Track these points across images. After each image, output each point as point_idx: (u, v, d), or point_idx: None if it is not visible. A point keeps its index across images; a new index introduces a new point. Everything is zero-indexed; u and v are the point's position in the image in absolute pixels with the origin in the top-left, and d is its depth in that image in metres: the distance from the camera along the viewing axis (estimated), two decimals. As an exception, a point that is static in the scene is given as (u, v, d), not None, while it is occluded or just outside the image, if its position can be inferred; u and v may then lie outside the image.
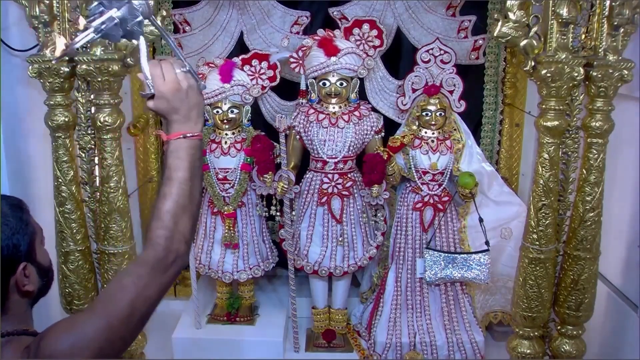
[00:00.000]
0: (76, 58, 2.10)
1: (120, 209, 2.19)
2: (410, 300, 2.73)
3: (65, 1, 2.09)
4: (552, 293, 2.33)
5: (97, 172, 2.26)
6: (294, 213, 2.68)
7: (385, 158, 2.55)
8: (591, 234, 2.25)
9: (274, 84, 2.70)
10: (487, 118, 2.96)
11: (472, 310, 2.71)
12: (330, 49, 2.53)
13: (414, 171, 2.65)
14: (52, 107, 2.15)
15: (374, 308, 2.78)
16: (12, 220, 1.18)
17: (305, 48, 2.60)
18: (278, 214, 2.68)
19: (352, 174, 2.65)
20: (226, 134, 2.63)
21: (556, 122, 2.13)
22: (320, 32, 2.63)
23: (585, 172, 2.23)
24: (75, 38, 1.25)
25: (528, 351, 2.35)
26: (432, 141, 2.64)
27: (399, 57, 2.84)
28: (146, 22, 1.25)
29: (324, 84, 2.57)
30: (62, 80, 2.11)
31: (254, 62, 2.65)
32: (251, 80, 2.64)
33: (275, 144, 2.61)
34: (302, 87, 2.68)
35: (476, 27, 2.77)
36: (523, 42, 2.11)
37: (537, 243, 2.22)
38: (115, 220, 2.19)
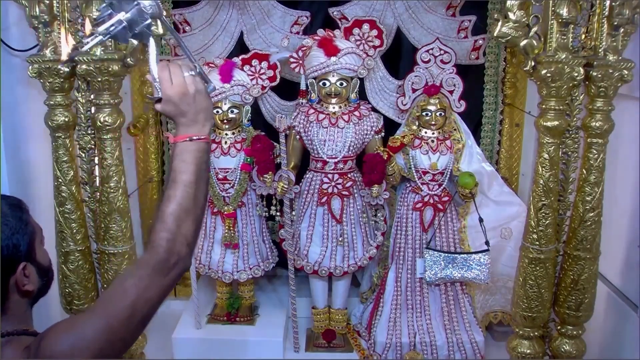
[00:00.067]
0: (76, 58, 2.10)
1: (120, 209, 2.19)
2: (410, 300, 2.73)
3: (65, 1, 2.09)
4: (552, 293, 2.33)
5: (97, 172, 2.26)
6: (294, 213, 2.68)
7: (385, 158, 2.55)
8: (591, 234, 2.25)
9: (274, 84, 2.70)
10: (487, 118, 2.96)
11: (472, 310, 2.71)
12: (330, 49, 2.53)
13: (414, 171, 2.65)
14: (52, 107, 2.15)
15: (374, 308, 2.78)
16: (11, 220, 1.18)
17: (305, 48, 2.61)
18: (278, 214, 2.68)
19: (352, 174, 2.65)
20: (226, 134, 2.63)
21: (556, 122, 2.13)
22: (320, 32, 2.63)
23: (585, 172, 2.23)
24: (83, 41, 1.25)
25: (528, 351, 2.35)
26: (432, 141, 2.64)
27: (399, 57, 2.84)
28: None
29: (324, 84, 2.58)
30: (62, 80, 2.11)
31: (254, 62, 2.65)
32: (251, 80, 2.64)
33: (275, 144, 2.61)
34: (302, 87, 2.68)
35: (476, 27, 2.77)
36: (523, 42, 2.11)
37: (537, 243, 2.22)
38: (115, 220, 2.19)
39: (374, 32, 2.62)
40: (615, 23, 2.08)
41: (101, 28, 1.21)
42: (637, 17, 2.10)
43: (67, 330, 1.12)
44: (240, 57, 2.66)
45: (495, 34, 2.12)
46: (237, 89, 2.58)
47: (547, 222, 2.20)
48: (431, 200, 2.66)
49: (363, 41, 2.62)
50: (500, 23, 2.11)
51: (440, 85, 2.65)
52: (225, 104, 2.59)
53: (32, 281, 1.21)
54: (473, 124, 2.90)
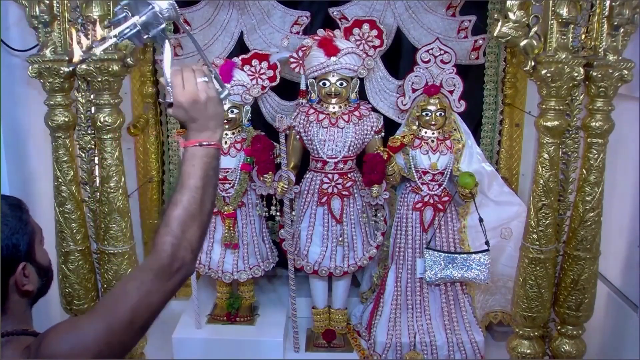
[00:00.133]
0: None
1: (120, 209, 2.19)
2: (410, 300, 2.73)
3: (65, 1, 2.09)
4: (552, 293, 2.33)
5: (97, 172, 2.25)
6: (294, 213, 2.68)
7: (385, 158, 2.55)
8: (591, 234, 2.25)
9: (274, 84, 2.70)
10: (487, 118, 2.96)
11: (472, 310, 2.71)
12: (330, 49, 2.53)
13: (414, 171, 2.65)
14: (52, 107, 2.15)
15: (374, 308, 2.78)
16: (11, 220, 1.18)
17: (305, 48, 2.60)
18: (278, 214, 2.69)
19: (352, 174, 2.65)
20: (226, 134, 2.63)
21: (556, 122, 2.13)
22: (320, 32, 2.63)
23: (585, 172, 2.23)
24: (94, 45, 1.25)
25: (528, 351, 2.35)
26: (432, 141, 2.64)
27: (399, 57, 2.84)
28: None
29: (324, 84, 2.57)
30: (62, 80, 2.11)
31: (254, 62, 2.65)
32: (251, 80, 2.64)
33: (275, 144, 2.61)
34: (302, 87, 2.67)
35: (476, 27, 2.77)
36: (523, 42, 2.11)
37: (537, 243, 2.22)
38: (115, 220, 2.19)
39: (374, 32, 2.62)
40: (615, 23, 2.08)
41: (115, 31, 1.22)
42: (637, 17, 2.10)
43: (67, 331, 1.12)
44: (240, 57, 2.66)
45: (495, 34, 2.12)
46: (237, 89, 2.58)
47: (547, 222, 2.20)
48: (431, 200, 2.66)
49: (363, 41, 2.62)
50: (500, 23, 2.11)
51: (440, 85, 2.65)
52: (225, 103, 2.59)
53: (31, 281, 1.21)
54: (473, 124, 2.90)
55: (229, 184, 2.64)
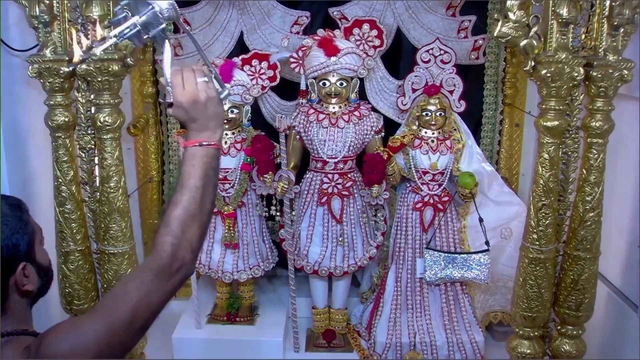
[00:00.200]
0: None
1: (120, 209, 2.19)
2: (410, 300, 2.73)
3: (65, 1, 2.09)
4: (552, 293, 2.33)
5: (97, 172, 2.25)
6: (294, 213, 2.68)
7: (385, 158, 2.55)
8: (591, 234, 2.25)
9: (274, 84, 2.70)
10: (487, 118, 2.96)
11: (472, 310, 2.71)
12: (330, 49, 2.53)
13: (414, 171, 2.65)
14: (52, 107, 2.15)
15: (374, 308, 2.78)
16: (11, 220, 1.18)
17: (305, 48, 2.60)
18: (278, 214, 2.69)
19: (352, 174, 2.65)
20: (226, 134, 2.63)
21: (556, 122, 2.13)
22: (320, 32, 2.63)
23: (585, 172, 2.23)
24: (94, 45, 1.26)
25: (528, 351, 2.35)
26: (432, 141, 2.64)
27: (399, 57, 2.84)
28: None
29: (324, 84, 2.57)
30: (62, 80, 2.11)
31: (254, 62, 2.65)
32: (251, 80, 2.64)
33: (275, 144, 2.61)
34: (302, 87, 2.67)
35: (476, 27, 2.77)
36: (523, 42, 2.11)
37: (537, 243, 2.22)
38: (115, 220, 2.19)
39: (374, 32, 2.62)
40: (615, 23, 2.08)
41: (115, 31, 1.22)
42: (637, 17, 2.10)
43: (67, 331, 1.12)
44: (240, 57, 2.66)
45: (495, 34, 2.12)
46: (237, 89, 2.58)
47: (547, 222, 2.20)
48: (431, 200, 2.66)
49: (363, 41, 2.62)
50: (500, 23, 2.11)
51: (440, 85, 2.65)
52: (225, 103, 2.58)
53: (31, 281, 1.21)
54: (473, 124, 2.90)
55: (229, 184, 2.64)
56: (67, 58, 2.09)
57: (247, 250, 2.72)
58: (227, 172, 2.63)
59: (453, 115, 2.68)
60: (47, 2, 2.06)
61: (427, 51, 2.64)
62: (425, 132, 2.65)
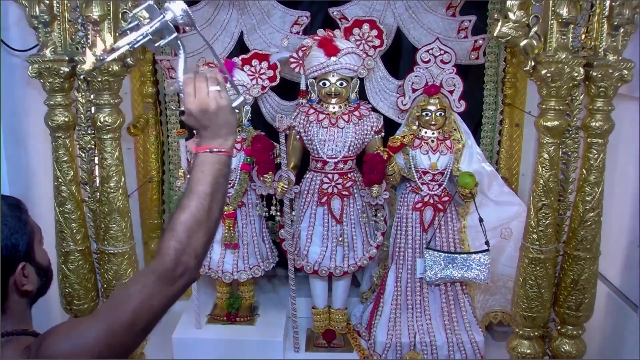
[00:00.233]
0: (76, 58, 2.10)
1: (120, 209, 2.19)
2: (410, 300, 2.73)
3: (65, 1, 2.09)
4: (552, 293, 2.33)
5: (97, 172, 2.26)
6: (294, 213, 2.68)
7: (385, 158, 2.55)
8: (591, 234, 2.25)
9: (274, 84, 2.70)
10: (487, 118, 2.96)
11: (472, 310, 2.71)
12: (330, 49, 2.53)
13: (414, 171, 2.65)
14: (52, 107, 2.15)
15: (374, 308, 2.78)
16: (10, 220, 1.18)
17: (305, 48, 2.60)
18: (278, 214, 2.69)
19: (352, 174, 2.65)
20: (226, 134, 2.62)
21: (556, 122, 2.13)
22: (320, 32, 2.63)
23: (585, 172, 2.23)
24: (100, 57, 1.27)
25: (528, 351, 2.35)
26: (432, 141, 2.64)
27: (399, 57, 2.84)
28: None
29: (324, 84, 2.58)
30: (62, 80, 2.11)
31: (254, 62, 2.65)
32: (251, 80, 2.64)
33: (275, 144, 2.61)
34: (302, 87, 2.68)
35: (476, 27, 2.77)
36: (523, 42, 2.11)
37: (537, 243, 2.22)
38: (115, 220, 2.19)
39: (374, 32, 2.62)
40: (615, 23, 2.08)
41: (126, 40, 1.23)
42: (637, 17, 2.10)
43: (68, 332, 1.12)
44: (240, 57, 2.66)
45: (495, 34, 2.12)
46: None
47: (547, 222, 2.20)
48: (431, 200, 2.66)
49: (363, 41, 2.62)
50: (500, 23, 2.10)
51: (440, 85, 2.65)
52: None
53: (31, 281, 1.21)
54: (473, 124, 2.90)
55: (229, 183, 2.63)
56: (67, 58, 2.10)
57: (247, 250, 2.72)
58: (227, 172, 2.62)
59: (453, 115, 2.68)
60: (47, 2, 2.06)
61: (427, 51, 2.64)
62: (425, 132, 2.65)
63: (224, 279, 2.74)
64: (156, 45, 1.26)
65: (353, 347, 2.74)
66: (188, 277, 1.19)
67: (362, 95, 2.74)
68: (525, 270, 2.26)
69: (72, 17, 2.12)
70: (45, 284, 1.27)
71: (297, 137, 2.65)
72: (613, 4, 2.06)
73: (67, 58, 2.10)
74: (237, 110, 1.30)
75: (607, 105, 2.14)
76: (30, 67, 2.09)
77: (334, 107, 2.61)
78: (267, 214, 2.73)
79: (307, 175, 2.69)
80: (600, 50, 2.12)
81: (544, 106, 2.14)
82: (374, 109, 2.72)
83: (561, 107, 2.13)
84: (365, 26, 2.61)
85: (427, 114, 2.62)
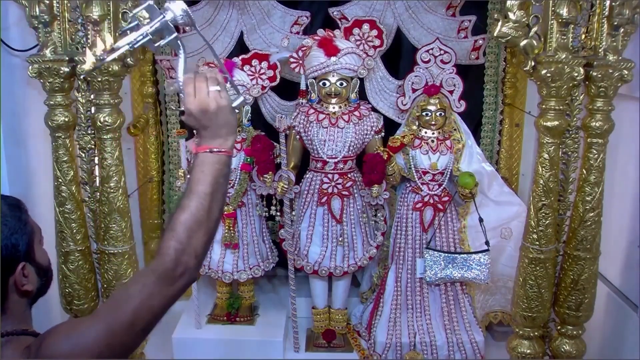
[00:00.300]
0: (76, 58, 2.10)
1: (120, 209, 2.19)
2: (410, 300, 2.73)
3: (65, 1, 2.09)
4: (552, 293, 2.33)
5: (97, 172, 2.26)
6: (294, 213, 2.68)
7: (385, 158, 2.55)
8: (591, 234, 2.25)
9: (274, 84, 2.70)
10: (487, 118, 2.96)
11: (472, 310, 2.71)
12: (330, 49, 2.53)
13: (414, 171, 2.65)
14: (52, 107, 2.15)
15: (374, 308, 2.78)
16: (10, 220, 1.18)
17: (305, 48, 2.60)
18: (278, 214, 2.69)
19: (352, 174, 2.65)
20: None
21: (556, 122, 2.13)
22: (320, 32, 2.63)
23: (585, 172, 2.23)
24: (101, 57, 1.28)
25: (528, 351, 2.35)
26: (432, 141, 2.64)
27: (399, 57, 2.84)
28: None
29: (324, 84, 2.57)
30: (62, 80, 2.11)
31: (254, 62, 2.65)
32: (251, 80, 2.64)
33: (275, 144, 2.61)
34: (302, 87, 2.68)
35: (476, 27, 2.77)
36: (523, 42, 2.11)
37: (537, 243, 2.22)
38: (115, 220, 2.19)
39: (374, 32, 2.62)
40: (615, 23, 2.08)
41: (126, 40, 1.23)
42: (637, 17, 2.10)
43: (68, 332, 1.12)
44: (240, 57, 2.66)
45: (495, 34, 2.12)
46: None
47: (547, 222, 2.20)
48: (431, 200, 2.66)
49: (363, 41, 2.62)
50: (500, 23, 2.10)
51: (440, 85, 2.65)
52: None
53: (31, 281, 1.21)
54: (473, 124, 2.90)
55: (229, 183, 2.63)
56: (67, 58, 2.10)
57: (247, 250, 2.72)
58: (227, 172, 2.63)
59: (453, 115, 2.68)
60: (47, 2, 2.06)
61: (427, 51, 2.64)
62: (425, 132, 2.65)
63: (224, 279, 2.74)
64: (156, 45, 1.27)
65: (353, 347, 2.74)
66: (188, 277, 1.19)
67: (362, 95, 2.74)
68: (525, 270, 2.26)
69: (72, 17, 2.12)
70: (45, 284, 1.28)
71: (297, 137, 2.65)
72: (613, 4, 2.06)
73: (67, 58, 2.10)
74: (237, 110, 1.30)
75: (607, 105, 2.14)
76: (30, 67, 2.09)
77: (334, 107, 2.61)
78: (267, 214, 2.73)
79: (307, 175, 2.69)
80: (600, 50, 2.12)
81: (544, 106, 2.14)
82: (374, 109, 2.72)
83: (561, 107, 2.13)
84: (365, 26, 2.61)
85: (427, 114, 2.62)
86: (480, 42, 2.77)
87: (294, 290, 2.68)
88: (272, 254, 2.82)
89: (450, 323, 2.68)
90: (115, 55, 1.28)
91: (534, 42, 2.10)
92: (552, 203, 2.20)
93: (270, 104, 2.81)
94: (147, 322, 1.16)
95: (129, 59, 2.14)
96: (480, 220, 2.53)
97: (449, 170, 2.64)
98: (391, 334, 2.67)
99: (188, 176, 2.55)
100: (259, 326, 2.77)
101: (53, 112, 2.14)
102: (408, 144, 2.63)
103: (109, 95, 2.13)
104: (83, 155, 2.27)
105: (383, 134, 2.67)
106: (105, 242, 2.22)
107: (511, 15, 2.09)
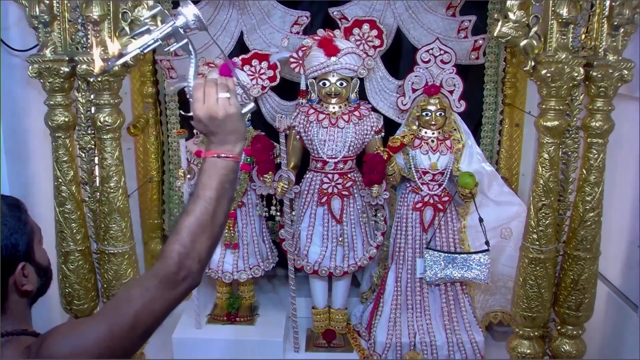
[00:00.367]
0: (76, 58, 2.10)
1: (120, 209, 2.19)
2: (410, 300, 2.73)
3: (65, 1, 2.09)
4: (552, 293, 2.33)
5: (97, 172, 2.25)
6: (294, 213, 2.68)
7: (385, 158, 2.55)
8: (591, 234, 2.25)
9: (274, 84, 2.70)
10: (487, 118, 2.96)
11: (472, 310, 2.71)
12: (330, 49, 2.53)
13: (414, 171, 2.65)
14: (52, 107, 2.15)
15: (374, 308, 2.78)
16: (10, 220, 1.18)
17: (305, 48, 2.60)
18: (278, 214, 2.69)
19: (352, 174, 2.65)
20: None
21: (556, 122, 2.13)
22: (320, 32, 2.63)
23: (585, 172, 2.23)
24: (109, 63, 1.28)
25: (528, 351, 2.34)
26: (432, 141, 2.64)
27: (399, 57, 2.84)
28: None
29: (324, 84, 2.58)
30: (62, 80, 2.11)
31: (254, 62, 2.65)
32: (251, 80, 2.64)
33: (275, 144, 2.61)
34: (302, 87, 2.67)
35: (476, 27, 2.76)
36: (523, 42, 2.11)
37: (537, 243, 2.22)
38: (115, 220, 2.19)
39: (374, 32, 2.62)
40: (615, 23, 2.08)
41: (137, 44, 1.23)
42: (637, 17, 2.10)
43: (68, 333, 1.12)
44: (240, 57, 2.66)
45: (495, 34, 2.12)
46: (237, 89, 2.58)
47: (547, 222, 2.20)
48: (431, 200, 2.66)
49: (363, 41, 2.62)
50: (500, 23, 2.10)
51: (440, 85, 2.65)
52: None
53: (31, 281, 1.21)
54: (473, 124, 2.90)
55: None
56: (67, 58, 2.10)
57: (247, 250, 2.72)
58: (227, 172, 2.62)
59: (453, 115, 2.68)
60: (47, 2, 2.06)
61: (427, 51, 2.64)
62: (425, 132, 2.65)
63: (224, 279, 2.74)
64: (166, 50, 1.27)
65: (353, 347, 2.74)
66: (191, 282, 1.19)
67: (362, 95, 2.74)
68: (525, 270, 2.26)
69: (72, 17, 2.12)
70: (45, 284, 1.28)
71: (297, 137, 2.65)
72: (613, 4, 2.06)
73: (67, 58, 2.09)
74: (248, 116, 1.31)
75: (607, 105, 2.14)
76: (30, 67, 2.09)
77: (334, 107, 2.61)
78: (267, 214, 2.73)
79: (307, 175, 2.69)
80: (600, 50, 2.12)
81: (544, 106, 2.14)
82: (374, 109, 2.72)
83: (561, 107, 2.13)
84: (365, 26, 2.60)
85: (427, 114, 2.62)
86: (480, 42, 2.77)
87: (294, 290, 2.68)
88: (272, 254, 2.82)
89: (450, 323, 2.68)
90: (125, 59, 1.28)
91: (534, 42, 2.10)
92: (552, 203, 2.20)
93: (270, 104, 2.81)
94: (149, 325, 1.16)
95: (129, 59, 2.13)
96: (480, 220, 2.53)
97: (449, 170, 2.64)
98: (391, 334, 2.67)
99: (188, 176, 2.56)
100: (259, 326, 2.77)
101: (53, 112, 2.14)
102: (408, 144, 2.63)
103: (109, 95, 2.13)
104: (83, 155, 2.26)
105: (383, 134, 2.67)
106: (105, 242, 2.22)
107: (511, 15, 2.08)
